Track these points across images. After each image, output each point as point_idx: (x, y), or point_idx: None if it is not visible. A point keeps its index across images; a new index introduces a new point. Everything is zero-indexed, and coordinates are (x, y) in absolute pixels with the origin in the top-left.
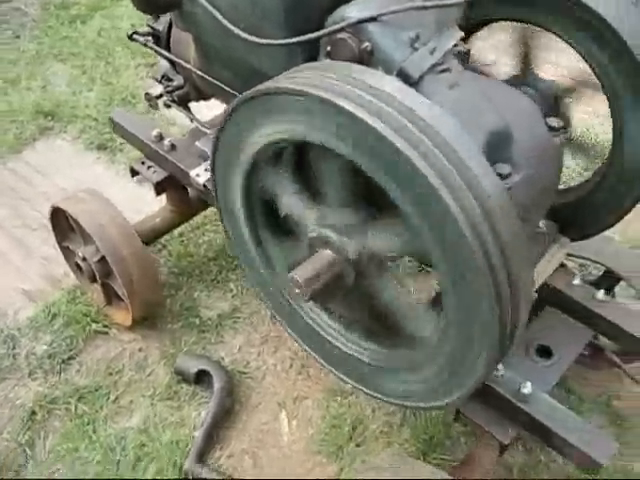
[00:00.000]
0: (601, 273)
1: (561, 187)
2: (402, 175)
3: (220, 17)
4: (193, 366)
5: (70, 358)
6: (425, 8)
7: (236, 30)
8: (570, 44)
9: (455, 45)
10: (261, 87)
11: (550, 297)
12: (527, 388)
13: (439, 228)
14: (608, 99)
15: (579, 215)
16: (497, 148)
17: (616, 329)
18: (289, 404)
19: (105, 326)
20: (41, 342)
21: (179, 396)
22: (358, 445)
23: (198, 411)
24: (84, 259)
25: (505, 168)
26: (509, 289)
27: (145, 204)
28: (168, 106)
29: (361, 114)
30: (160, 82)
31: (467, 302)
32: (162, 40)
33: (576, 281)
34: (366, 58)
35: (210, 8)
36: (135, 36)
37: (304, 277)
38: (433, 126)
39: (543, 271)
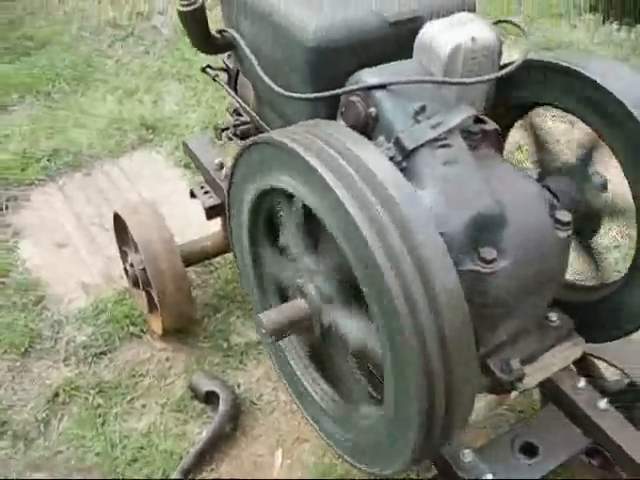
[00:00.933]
0: (618, 380)
1: (585, 284)
2: (354, 242)
3: (255, 64)
4: (205, 385)
5: (103, 353)
6: (434, 82)
7: (267, 79)
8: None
9: (465, 123)
10: (255, 137)
11: (553, 395)
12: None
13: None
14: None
15: (600, 316)
16: (485, 230)
17: (615, 447)
18: (288, 443)
19: (142, 330)
20: (82, 333)
21: (188, 410)
22: None
23: (201, 429)
24: (132, 265)
25: (490, 252)
26: (443, 385)
27: (212, 225)
28: (230, 139)
29: (325, 174)
30: (231, 115)
31: (401, 384)
32: (232, 78)
33: (581, 384)
34: (371, 124)
35: (249, 55)
36: (208, 69)
37: (271, 321)
38: (394, 198)
39: (547, 365)
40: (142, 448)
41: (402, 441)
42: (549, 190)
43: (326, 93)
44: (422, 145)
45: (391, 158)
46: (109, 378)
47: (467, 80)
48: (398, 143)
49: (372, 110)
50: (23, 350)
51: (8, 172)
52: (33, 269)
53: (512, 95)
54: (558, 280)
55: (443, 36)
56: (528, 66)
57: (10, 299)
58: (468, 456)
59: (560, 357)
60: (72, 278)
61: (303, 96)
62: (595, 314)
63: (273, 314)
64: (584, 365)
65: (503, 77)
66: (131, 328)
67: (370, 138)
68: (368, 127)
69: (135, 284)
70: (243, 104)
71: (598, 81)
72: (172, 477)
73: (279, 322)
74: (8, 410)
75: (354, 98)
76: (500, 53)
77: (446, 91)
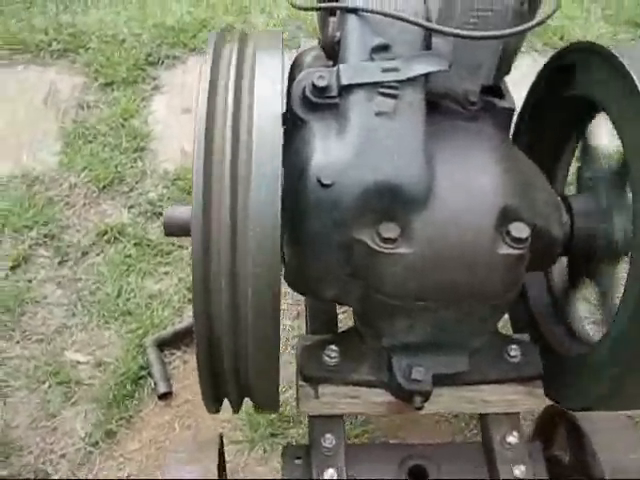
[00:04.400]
0: None
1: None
2: None
3: None
4: None
5: (161, 214)
6: (416, 25)
7: None
8: None
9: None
10: None
11: (482, 435)
12: None
13: None
14: None
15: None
16: (397, 205)
17: None
18: None
19: None
20: (156, 191)
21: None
22: None
23: None
24: None
25: (389, 230)
26: None
27: None
28: None
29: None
30: None
31: None
32: None
33: (512, 439)
34: (336, 49)
35: None
36: None
37: None
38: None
39: (471, 398)
40: (140, 306)
41: None
42: (566, 204)
43: (310, 6)
44: (360, 85)
45: (324, 88)
46: (153, 238)
47: (462, 32)
48: (337, 75)
49: (337, 35)
50: (102, 186)
51: (182, 34)
52: (152, 122)
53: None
54: (495, 303)
55: None
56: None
57: (119, 139)
58: None
59: (499, 398)
60: (177, 142)
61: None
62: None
63: None
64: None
65: (516, 35)
66: None
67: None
68: (334, 52)
69: None
70: None
71: None
72: (148, 340)
73: None
74: (65, 229)
75: (332, 18)
76: (521, 15)
77: (436, 40)
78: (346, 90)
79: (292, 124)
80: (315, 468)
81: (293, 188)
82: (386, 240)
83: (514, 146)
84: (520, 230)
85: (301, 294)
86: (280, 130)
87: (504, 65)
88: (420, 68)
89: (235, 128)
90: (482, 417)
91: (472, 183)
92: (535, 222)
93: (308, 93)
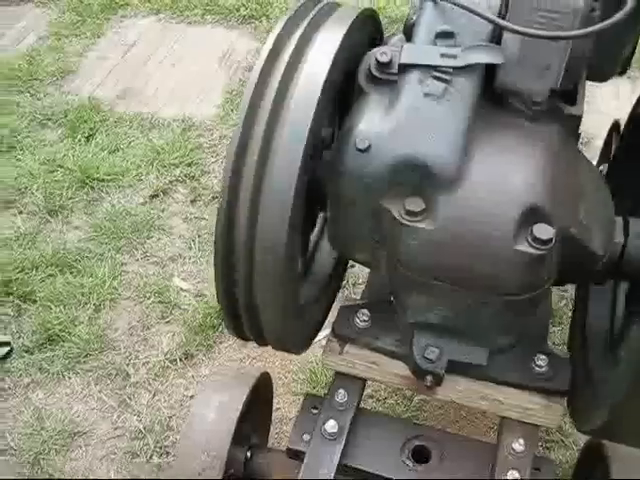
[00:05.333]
0: None
1: None
2: None
3: None
4: None
5: None
6: (486, 19)
7: None
8: None
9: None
10: None
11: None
12: None
13: None
14: None
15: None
16: (425, 182)
17: None
18: None
19: None
20: None
21: None
22: None
23: None
24: None
25: (414, 204)
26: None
27: None
28: None
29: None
30: None
31: None
32: None
33: (518, 446)
34: (412, 31)
35: None
36: None
37: None
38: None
39: (485, 395)
40: None
41: None
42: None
43: None
44: (416, 66)
45: (386, 64)
46: None
47: (523, 30)
48: (400, 54)
49: (413, 18)
50: None
51: None
52: None
53: None
54: (511, 300)
55: None
56: None
57: None
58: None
59: (514, 403)
60: None
61: None
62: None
63: None
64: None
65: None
66: None
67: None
68: (411, 32)
69: None
70: None
71: None
72: None
73: None
74: (205, 174)
75: (416, 2)
76: (590, 21)
77: (506, 36)
78: (404, 69)
79: (357, 94)
80: (321, 417)
81: (337, 150)
82: (409, 212)
83: (579, 155)
84: (543, 231)
85: (337, 253)
86: (316, 97)
87: (572, 70)
88: (475, 58)
89: (281, 89)
90: (501, 420)
91: (506, 177)
92: (570, 230)
93: (372, 67)
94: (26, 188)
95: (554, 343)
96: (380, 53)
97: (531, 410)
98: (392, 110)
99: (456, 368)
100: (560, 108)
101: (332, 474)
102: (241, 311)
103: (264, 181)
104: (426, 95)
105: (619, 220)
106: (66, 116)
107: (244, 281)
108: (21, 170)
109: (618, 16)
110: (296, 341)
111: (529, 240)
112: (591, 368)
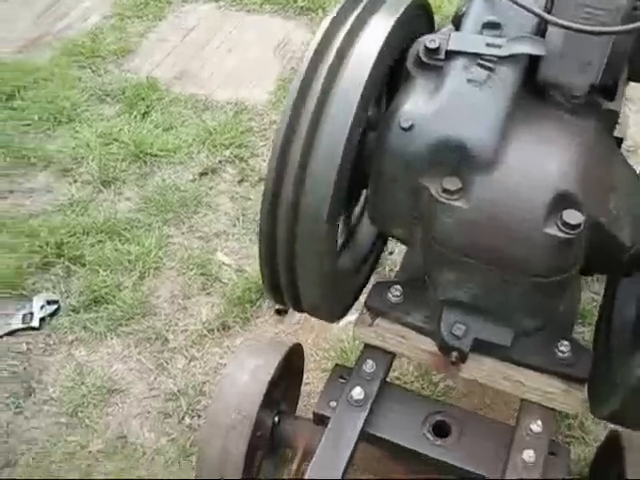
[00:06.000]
0: None
1: None
2: None
3: None
4: None
5: None
6: (532, 13)
7: None
8: None
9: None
10: None
11: None
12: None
13: None
14: None
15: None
16: (464, 164)
17: None
18: None
19: None
20: None
21: None
22: None
23: None
24: None
25: (452, 183)
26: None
27: None
28: None
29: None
30: None
31: None
32: None
33: (536, 427)
34: (460, 21)
35: None
36: None
37: None
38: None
39: (508, 376)
40: None
41: None
42: None
43: None
44: (462, 53)
45: (434, 50)
46: None
47: (567, 24)
48: (447, 41)
49: (463, 9)
50: None
51: None
52: None
53: None
54: (539, 282)
55: None
56: None
57: None
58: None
59: (535, 386)
60: None
61: None
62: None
63: None
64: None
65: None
66: None
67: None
68: (460, 23)
69: None
70: None
71: None
72: None
73: None
74: (254, 156)
75: None
76: (632, 19)
77: (550, 29)
78: (450, 55)
79: (405, 78)
80: (348, 385)
81: (382, 129)
82: (446, 190)
83: (614, 149)
84: (572, 216)
85: (376, 228)
86: (365, 76)
87: (613, 66)
88: (519, 48)
89: (331, 71)
90: (522, 402)
91: (540, 164)
92: (600, 219)
93: (420, 53)
94: (82, 158)
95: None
96: (429, 40)
97: (551, 394)
98: (436, 94)
99: (481, 347)
100: (599, 103)
101: (354, 440)
102: (280, 275)
103: (312, 150)
104: (469, 81)
105: None
106: (124, 93)
107: (285, 244)
108: (79, 141)
109: None
110: (331, 310)
111: (558, 224)
112: (613, 354)
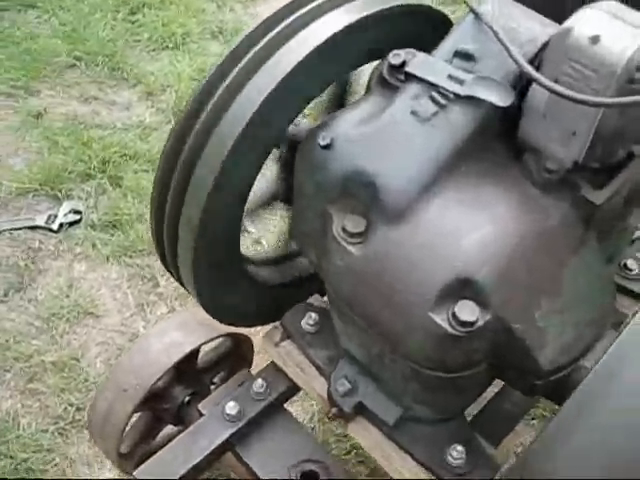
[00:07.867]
0: None
1: None
2: None
3: None
4: None
5: None
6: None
7: None
8: None
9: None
10: None
11: None
12: None
13: None
14: None
15: None
16: (369, 198)
17: None
18: None
19: None
20: None
21: None
22: None
23: None
24: None
25: (355, 224)
26: None
27: None
28: None
29: None
30: None
31: None
32: None
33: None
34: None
35: None
36: None
37: None
38: None
39: None
40: None
41: None
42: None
43: None
44: (419, 79)
45: (394, 67)
46: None
47: (546, 82)
48: (408, 61)
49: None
50: None
51: None
52: None
53: None
54: (418, 370)
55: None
56: None
57: None
58: None
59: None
60: None
61: None
62: None
63: None
64: None
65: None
66: None
67: None
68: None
69: None
70: None
71: None
72: None
73: None
74: None
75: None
76: (628, 93)
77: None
78: (409, 78)
79: (365, 91)
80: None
81: (306, 139)
82: (345, 230)
83: (583, 249)
84: (466, 311)
85: (296, 246)
86: (274, 83)
87: (599, 145)
88: (480, 92)
89: (254, 59)
90: None
91: (456, 233)
92: (512, 326)
93: (383, 68)
94: (168, 87)
95: None
96: (393, 55)
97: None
98: (374, 117)
99: (365, 413)
100: (578, 186)
101: (207, 451)
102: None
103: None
104: (413, 113)
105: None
106: (237, 34)
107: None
108: (173, 70)
109: None
110: (207, 302)
111: (448, 313)
112: None
